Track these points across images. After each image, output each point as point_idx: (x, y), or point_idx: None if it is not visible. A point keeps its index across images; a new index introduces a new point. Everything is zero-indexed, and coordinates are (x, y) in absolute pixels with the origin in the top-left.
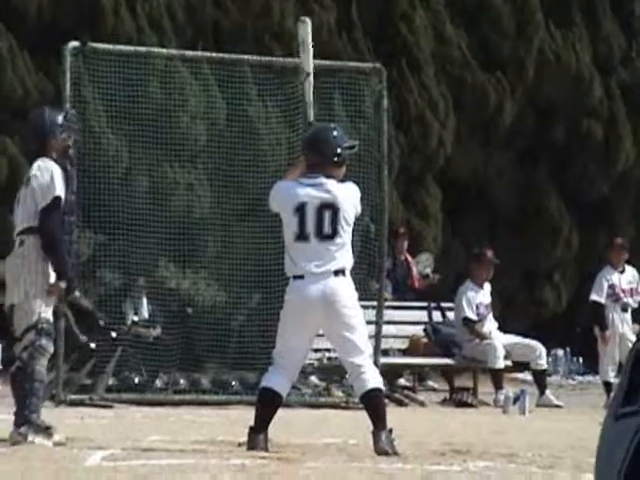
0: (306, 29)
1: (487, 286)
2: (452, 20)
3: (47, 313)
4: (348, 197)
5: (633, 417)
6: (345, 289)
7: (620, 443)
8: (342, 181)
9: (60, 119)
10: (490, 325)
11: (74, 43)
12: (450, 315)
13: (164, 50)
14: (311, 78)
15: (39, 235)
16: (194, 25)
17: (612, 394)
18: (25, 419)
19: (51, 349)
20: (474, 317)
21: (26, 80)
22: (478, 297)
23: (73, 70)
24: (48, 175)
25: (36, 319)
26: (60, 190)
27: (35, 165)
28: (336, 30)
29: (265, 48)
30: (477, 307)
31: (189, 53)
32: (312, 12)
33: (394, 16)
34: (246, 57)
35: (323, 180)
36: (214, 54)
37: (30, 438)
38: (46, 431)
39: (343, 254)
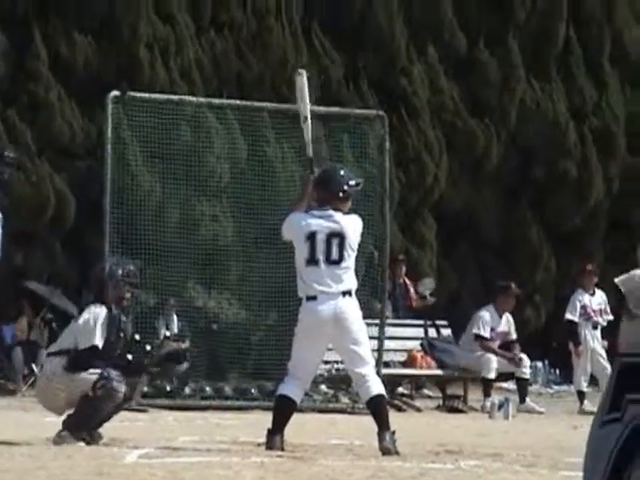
0: (302, 79)
1: (506, 317)
2: (445, 73)
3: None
4: (353, 227)
5: (616, 423)
6: (352, 308)
7: (605, 446)
8: (348, 213)
9: (120, 273)
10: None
11: (115, 92)
12: (444, 332)
13: (193, 98)
14: (309, 121)
15: (67, 364)
16: (220, 76)
17: (585, 401)
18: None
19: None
20: (486, 335)
21: (73, 124)
22: (493, 322)
23: (114, 116)
24: (93, 321)
25: None
26: (99, 339)
27: (87, 309)
28: (344, 81)
29: (282, 96)
30: (491, 330)
31: (215, 101)
32: (323, 66)
33: (395, 69)
34: (265, 104)
35: (331, 212)
36: (237, 102)
37: (68, 441)
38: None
39: (349, 277)
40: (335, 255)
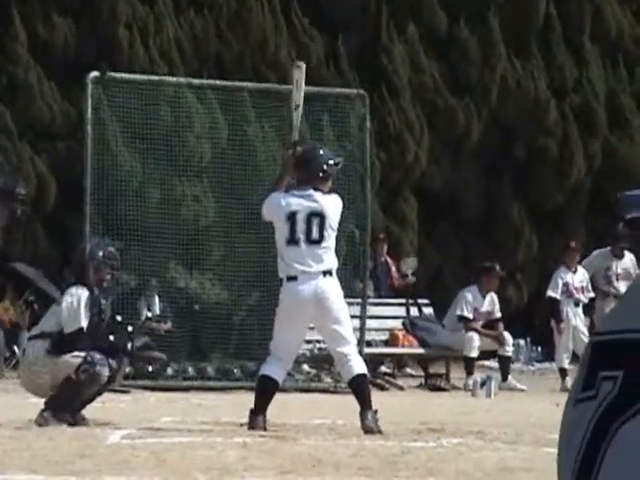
0: (301, 72)
1: (490, 297)
2: (426, 51)
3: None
4: (333, 207)
5: (590, 401)
6: (333, 288)
7: (579, 426)
8: (328, 193)
9: (100, 254)
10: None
11: (94, 73)
12: (426, 311)
13: (173, 79)
14: (300, 109)
15: (51, 348)
16: (199, 56)
17: (567, 378)
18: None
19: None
20: (469, 316)
21: (52, 106)
22: (476, 303)
23: (94, 97)
24: (77, 303)
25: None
26: (83, 321)
27: (68, 292)
28: (324, 60)
29: (262, 76)
30: (474, 310)
31: (195, 81)
32: (303, 45)
33: (375, 48)
34: (245, 84)
35: (311, 192)
36: (217, 82)
37: (50, 421)
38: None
39: (329, 256)
40: (315, 235)
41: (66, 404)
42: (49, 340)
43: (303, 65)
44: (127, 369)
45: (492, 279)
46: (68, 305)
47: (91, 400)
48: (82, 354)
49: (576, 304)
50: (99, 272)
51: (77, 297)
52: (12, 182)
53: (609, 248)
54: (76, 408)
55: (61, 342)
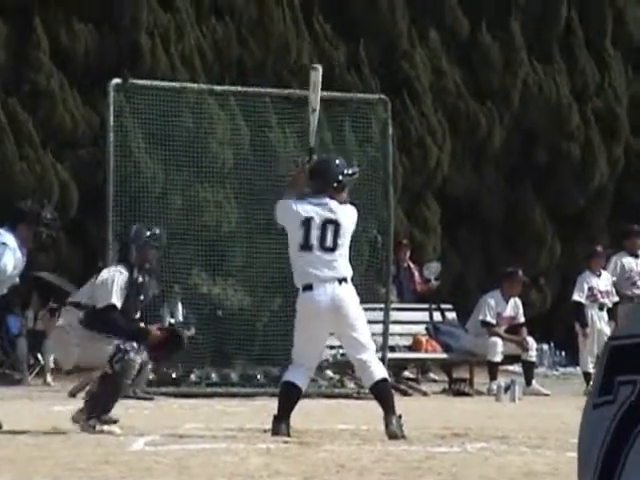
0: (318, 75)
1: (513, 301)
2: (447, 57)
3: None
4: (349, 217)
5: (608, 405)
6: (349, 295)
7: (597, 431)
8: (344, 204)
9: (146, 235)
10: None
11: (116, 80)
12: (449, 315)
13: (195, 85)
14: (317, 113)
15: (84, 319)
16: (221, 62)
17: (591, 383)
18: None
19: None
20: (492, 321)
21: (75, 113)
22: (499, 307)
23: (116, 104)
24: (111, 281)
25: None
26: (116, 300)
27: (108, 269)
28: (346, 66)
29: (284, 82)
30: (497, 315)
31: (217, 87)
32: (325, 51)
33: (397, 53)
34: (267, 90)
35: (327, 200)
36: (239, 88)
37: (98, 428)
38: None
39: (343, 264)
40: (329, 242)
41: (109, 401)
42: (83, 311)
43: (320, 68)
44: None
45: (515, 284)
46: (103, 281)
47: (122, 393)
48: (114, 341)
49: (601, 308)
50: (143, 253)
51: (113, 275)
52: (38, 206)
53: (623, 250)
54: (113, 402)
55: (94, 317)
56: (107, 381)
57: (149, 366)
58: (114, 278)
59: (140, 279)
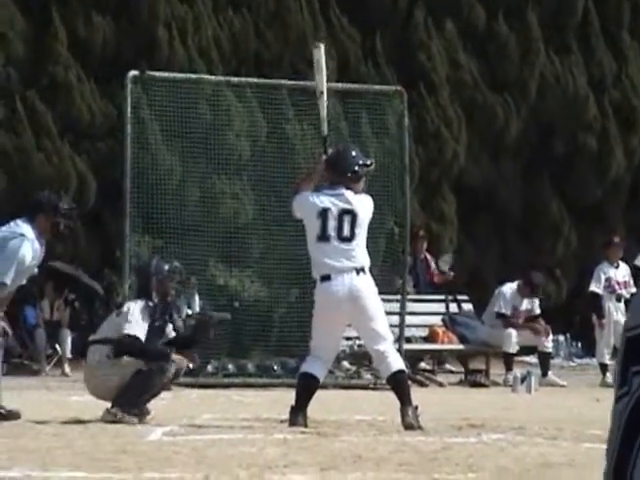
0: (320, 52)
1: (531, 300)
2: (464, 48)
3: None
4: (365, 207)
5: (626, 397)
6: (367, 285)
7: (615, 422)
8: (360, 193)
9: (166, 268)
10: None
11: (134, 72)
12: (465, 307)
13: (212, 77)
14: (325, 96)
15: (112, 351)
16: (238, 54)
17: (607, 374)
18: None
19: None
20: (507, 312)
21: (92, 105)
22: (515, 300)
23: (133, 95)
24: (132, 316)
25: None
26: (139, 331)
27: (131, 304)
28: (362, 58)
29: (300, 73)
30: (514, 308)
31: (234, 79)
32: (341, 42)
33: (413, 45)
34: (284, 82)
35: (343, 191)
36: (256, 80)
37: (119, 416)
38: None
39: (361, 254)
40: (347, 232)
41: (137, 397)
42: (109, 345)
43: (322, 45)
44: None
45: (529, 287)
46: (122, 313)
47: (158, 393)
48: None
49: (618, 299)
50: (163, 286)
51: (130, 306)
52: (55, 197)
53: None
54: (145, 400)
55: (121, 344)
56: (140, 376)
57: (185, 362)
58: (131, 308)
59: (167, 313)
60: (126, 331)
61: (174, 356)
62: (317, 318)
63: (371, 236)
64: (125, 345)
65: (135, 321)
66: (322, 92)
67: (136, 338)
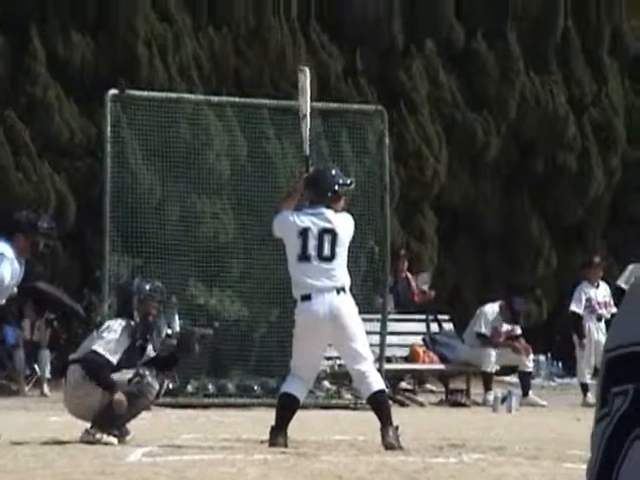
0: (305, 77)
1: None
2: (444, 67)
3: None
4: (345, 225)
5: (604, 420)
6: (347, 305)
7: (595, 445)
8: (340, 212)
9: (147, 288)
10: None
11: (113, 91)
12: (446, 326)
13: (192, 96)
14: (308, 118)
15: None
16: (218, 73)
17: (588, 394)
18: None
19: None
20: (487, 333)
21: (71, 123)
22: (496, 322)
23: (113, 114)
24: (112, 336)
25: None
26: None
27: (112, 322)
28: (343, 76)
29: (281, 92)
30: (494, 329)
31: (214, 98)
32: (321, 61)
33: (393, 64)
34: (264, 101)
35: (323, 210)
36: (236, 99)
37: (98, 436)
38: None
39: (341, 273)
40: (327, 251)
41: (116, 418)
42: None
43: (307, 70)
44: (171, 385)
45: (512, 313)
46: (102, 335)
47: (137, 414)
48: (131, 370)
49: (598, 319)
50: (145, 305)
51: (109, 325)
52: (35, 216)
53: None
54: (125, 421)
55: (84, 362)
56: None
57: (166, 383)
58: (111, 326)
59: (147, 334)
60: (94, 347)
61: (118, 395)
62: (297, 338)
63: (351, 255)
64: (86, 361)
65: (109, 340)
66: (305, 115)
67: (99, 355)
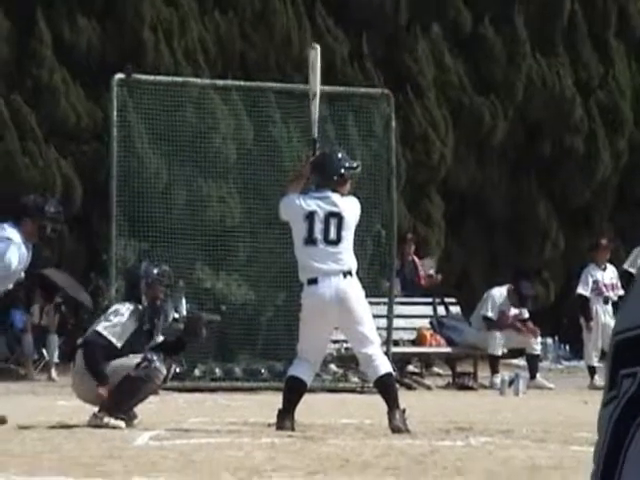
0: (316, 55)
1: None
2: (450, 50)
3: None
4: (351, 209)
5: (615, 401)
6: (354, 288)
7: (604, 427)
8: (346, 196)
9: (155, 272)
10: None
11: (119, 75)
12: (453, 310)
13: (198, 80)
14: (317, 99)
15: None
16: (224, 57)
17: (595, 376)
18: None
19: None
20: (494, 316)
21: (78, 108)
22: (504, 304)
23: (119, 99)
24: (118, 319)
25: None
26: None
27: (119, 305)
28: (349, 60)
29: (287, 76)
30: (502, 312)
31: (220, 82)
32: (327, 45)
33: (399, 47)
34: (270, 85)
35: (329, 194)
36: (242, 82)
37: (106, 420)
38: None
39: (348, 257)
40: (333, 235)
41: (124, 402)
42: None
43: (318, 47)
44: (178, 369)
45: (521, 296)
46: (106, 316)
47: (145, 398)
48: (139, 355)
49: (605, 302)
50: (152, 289)
51: (117, 309)
52: (42, 200)
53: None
54: (132, 405)
55: (85, 343)
56: (127, 382)
57: (173, 367)
58: (118, 310)
59: (156, 315)
60: (98, 328)
61: (102, 390)
62: (304, 321)
63: (358, 239)
64: (86, 343)
65: (115, 323)
66: (315, 94)
67: (101, 336)
